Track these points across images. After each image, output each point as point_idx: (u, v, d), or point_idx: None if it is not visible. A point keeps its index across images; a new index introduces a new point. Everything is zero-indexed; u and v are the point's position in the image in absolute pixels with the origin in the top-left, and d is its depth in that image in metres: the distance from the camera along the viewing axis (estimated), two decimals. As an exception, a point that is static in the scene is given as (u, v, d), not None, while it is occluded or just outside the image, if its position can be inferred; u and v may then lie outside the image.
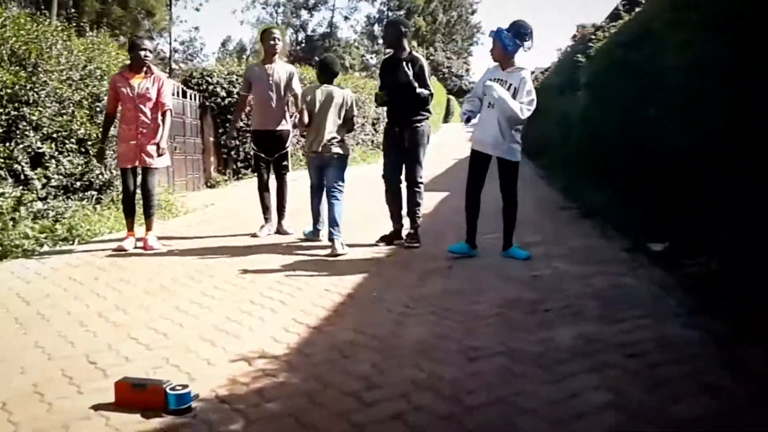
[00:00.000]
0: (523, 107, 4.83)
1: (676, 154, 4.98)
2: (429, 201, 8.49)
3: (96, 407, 2.37)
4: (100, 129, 6.66)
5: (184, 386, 2.35)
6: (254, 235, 6.07)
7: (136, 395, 2.34)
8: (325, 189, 5.56)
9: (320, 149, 5.39)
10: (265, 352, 2.99)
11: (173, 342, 3.15)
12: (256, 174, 6.43)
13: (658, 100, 5.30)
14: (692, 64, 4.49)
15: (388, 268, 4.82)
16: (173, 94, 11.52)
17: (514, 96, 4.84)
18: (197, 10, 40.47)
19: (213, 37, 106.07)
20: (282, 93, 6.12)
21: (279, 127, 6.13)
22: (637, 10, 6.30)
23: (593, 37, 8.46)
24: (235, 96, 11.42)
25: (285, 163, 6.23)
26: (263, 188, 6.27)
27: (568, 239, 5.81)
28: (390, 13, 48.54)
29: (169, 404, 2.29)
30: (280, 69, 6.17)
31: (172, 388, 2.32)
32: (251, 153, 11.87)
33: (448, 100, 43.51)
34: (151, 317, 3.57)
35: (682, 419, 2.28)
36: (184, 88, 12.15)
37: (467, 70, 54.54)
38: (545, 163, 12.74)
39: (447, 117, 41.76)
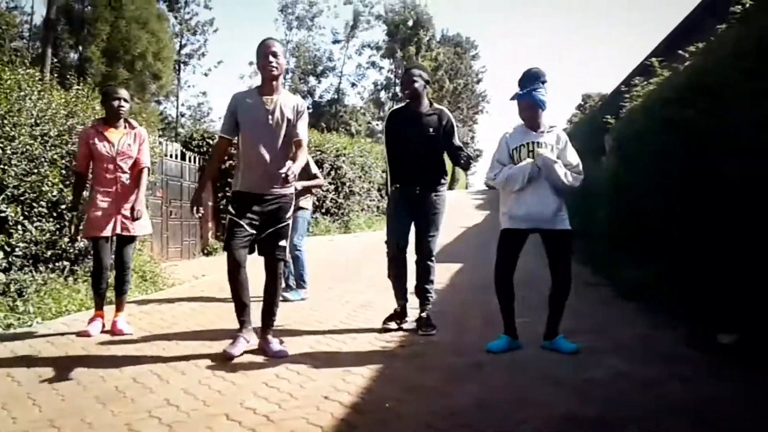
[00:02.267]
0: (573, 175, 4.10)
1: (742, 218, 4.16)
2: (442, 274, 7.64)
3: None
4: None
5: None
6: (226, 356, 3.91)
7: None
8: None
9: None
10: None
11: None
12: (226, 253, 4.04)
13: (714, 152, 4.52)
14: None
15: (402, 367, 3.88)
16: (172, 157, 10.92)
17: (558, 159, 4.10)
18: (206, 75, 40.78)
19: (220, 101, 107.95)
20: (284, 136, 4.10)
21: (278, 191, 4.10)
22: (686, 63, 5.61)
23: (626, 96, 7.77)
24: (234, 160, 10.65)
25: (282, 243, 4.15)
26: (237, 273, 4.02)
27: (613, 327, 4.91)
28: (397, 80, 48.87)
29: None
30: (285, 101, 4.13)
31: None
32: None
33: (453, 168, 43.21)
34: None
35: None
36: (184, 150, 11.56)
37: (472, 138, 54.68)
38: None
39: (452, 184, 41.40)
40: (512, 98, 4.31)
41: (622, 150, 7.20)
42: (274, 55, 4.05)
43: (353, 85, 51.47)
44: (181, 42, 36.71)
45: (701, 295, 4.73)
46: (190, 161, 11.55)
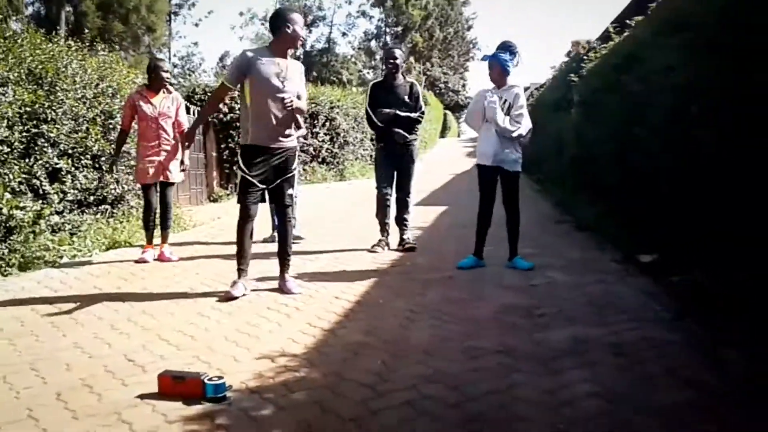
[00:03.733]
0: (508, 120, 5.19)
1: (663, 172, 5.31)
2: (428, 215, 8.85)
3: (141, 396, 2.68)
4: (112, 145, 7.01)
5: (219, 377, 2.65)
6: (227, 296, 4.38)
7: (177, 386, 2.64)
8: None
9: None
10: (285, 351, 3.29)
11: (200, 343, 3.45)
12: (239, 206, 4.52)
13: (645, 120, 5.65)
14: (675, 85, 4.85)
15: (392, 278, 5.12)
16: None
17: (509, 111, 5.22)
18: (196, 25, 41.21)
19: (212, 53, 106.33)
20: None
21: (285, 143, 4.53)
22: (626, 33, 6.65)
23: (585, 57, 8.83)
24: (237, 112, 10.93)
25: (290, 191, 4.62)
26: (246, 225, 4.54)
27: (564, 251, 6.11)
28: (387, 29, 49.27)
29: (206, 393, 2.59)
30: (293, 66, 4.55)
31: (209, 379, 2.62)
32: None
33: (445, 115, 43.96)
34: (177, 322, 3.86)
35: (663, 407, 2.57)
36: (187, 104, 12.47)
37: (464, 85, 55.00)
38: (540, 177, 13.10)
39: (444, 132, 42.16)
40: (482, 59, 5.58)
41: (581, 106, 8.30)
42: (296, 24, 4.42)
43: (344, 34, 52.00)
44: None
45: (632, 227, 5.92)
46: (193, 114, 12.46)
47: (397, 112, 6.00)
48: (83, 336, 3.56)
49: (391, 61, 6.15)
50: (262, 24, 48.80)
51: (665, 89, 5.08)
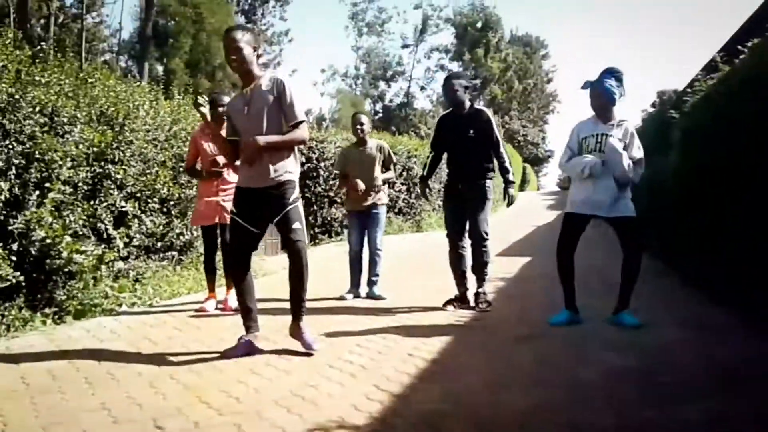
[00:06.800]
0: (636, 168, 4.52)
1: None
2: (512, 265, 8.16)
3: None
4: (182, 190, 6.77)
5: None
6: (224, 355, 3.82)
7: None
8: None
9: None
10: (346, 421, 2.69)
11: (246, 407, 2.89)
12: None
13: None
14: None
15: (473, 334, 4.45)
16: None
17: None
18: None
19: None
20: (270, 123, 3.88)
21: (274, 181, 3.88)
22: (742, 57, 5.88)
23: (689, 91, 8.01)
24: (314, 161, 11.81)
25: (295, 225, 3.82)
26: (237, 275, 4.00)
27: (672, 308, 5.27)
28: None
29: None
30: (262, 86, 3.88)
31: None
32: (329, 218, 11.99)
33: (524, 168, 43.08)
34: (225, 379, 3.34)
35: None
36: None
37: (543, 138, 54.13)
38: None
39: (523, 185, 41.26)
40: (583, 86, 4.76)
41: (684, 142, 7.45)
42: (236, 50, 3.78)
43: (422, 88, 52.13)
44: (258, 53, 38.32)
45: (751, 281, 5.02)
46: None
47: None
48: (114, 395, 3.08)
49: (455, 90, 5.28)
50: (343, 80, 49.89)
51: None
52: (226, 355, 3.80)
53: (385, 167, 6.28)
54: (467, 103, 5.38)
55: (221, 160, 5.20)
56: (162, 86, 8.23)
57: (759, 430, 2.54)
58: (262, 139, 3.73)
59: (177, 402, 2.96)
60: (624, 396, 3.01)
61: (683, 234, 7.39)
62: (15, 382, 3.29)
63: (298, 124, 3.85)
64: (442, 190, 5.62)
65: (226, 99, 5.49)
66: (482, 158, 5.30)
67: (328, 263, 8.51)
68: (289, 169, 3.88)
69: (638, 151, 4.63)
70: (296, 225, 3.80)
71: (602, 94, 4.61)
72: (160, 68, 30.17)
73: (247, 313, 3.92)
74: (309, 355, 3.82)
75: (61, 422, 2.70)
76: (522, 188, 40.43)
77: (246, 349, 3.84)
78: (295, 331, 3.94)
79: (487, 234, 5.23)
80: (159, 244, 6.78)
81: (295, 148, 3.98)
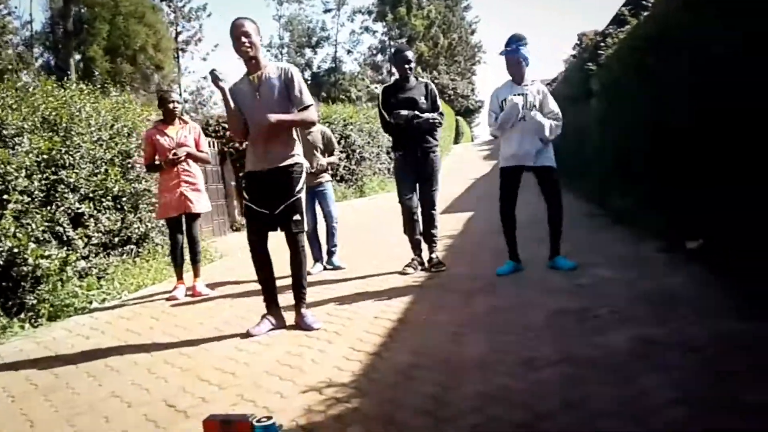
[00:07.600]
0: (554, 125, 5.00)
1: (700, 146, 5.04)
2: (455, 222, 8.65)
3: (188, 447, 2.49)
4: (133, 184, 6.95)
5: (269, 418, 2.45)
6: (248, 334, 4.10)
7: (225, 431, 2.45)
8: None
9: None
10: (333, 381, 3.09)
11: (242, 380, 3.26)
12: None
13: (675, 96, 5.39)
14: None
15: (431, 292, 4.91)
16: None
17: (541, 108, 5.06)
18: (204, 60, 41.29)
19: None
20: (279, 108, 4.08)
21: (282, 164, 4.12)
22: (645, 14, 6.42)
23: (602, 44, 8.58)
24: None
25: (297, 217, 4.12)
26: (256, 254, 4.27)
27: (604, 246, 5.87)
28: (392, 42, 49.24)
29: (257, 437, 2.39)
30: (270, 73, 4.13)
31: (258, 421, 2.42)
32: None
33: (457, 121, 43.74)
34: (215, 359, 3.69)
35: (755, 406, 2.33)
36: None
37: (472, 90, 54.80)
38: (560, 172, 12.77)
39: (457, 138, 41.95)
40: (501, 53, 5.22)
41: (604, 94, 8.06)
42: (246, 35, 3.99)
43: (349, 52, 51.90)
44: (177, 30, 37.32)
45: (671, 213, 5.65)
46: (210, 146, 12.43)
47: (416, 112, 5.47)
48: (120, 384, 3.39)
49: (406, 64, 5.62)
50: (268, 50, 49.08)
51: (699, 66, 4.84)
52: (249, 333, 4.10)
53: (328, 153, 6.56)
54: (412, 76, 5.72)
55: (181, 152, 5.46)
56: (87, 82, 8.20)
57: (684, 351, 3.05)
58: (274, 117, 3.98)
59: (179, 383, 3.30)
60: (566, 332, 3.51)
61: (607, 176, 8.04)
62: (23, 385, 3.57)
63: (307, 107, 4.12)
64: (394, 159, 5.96)
65: (175, 95, 5.75)
66: (433, 124, 5.62)
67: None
68: (296, 151, 4.16)
69: (554, 106, 5.15)
70: (298, 216, 4.10)
71: (522, 61, 5.10)
72: (77, 56, 29.16)
73: (264, 290, 4.25)
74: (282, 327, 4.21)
75: (82, 413, 3.01)
76: (456, 141, 41.13)
77: (268, 325, 4.17)
78: (298, 318, 4.24)
79: (435, 202, 5.69)
80: (116, 239, 6.95)
81: (296, 135, 4.20)
